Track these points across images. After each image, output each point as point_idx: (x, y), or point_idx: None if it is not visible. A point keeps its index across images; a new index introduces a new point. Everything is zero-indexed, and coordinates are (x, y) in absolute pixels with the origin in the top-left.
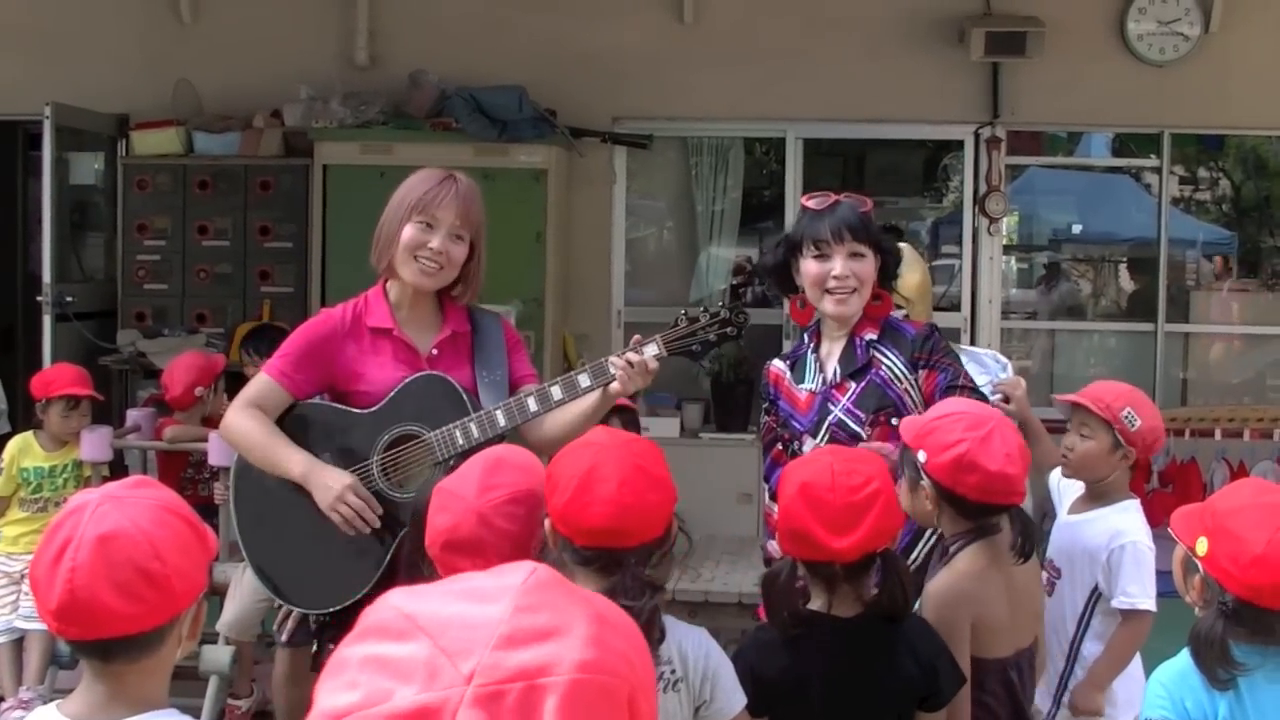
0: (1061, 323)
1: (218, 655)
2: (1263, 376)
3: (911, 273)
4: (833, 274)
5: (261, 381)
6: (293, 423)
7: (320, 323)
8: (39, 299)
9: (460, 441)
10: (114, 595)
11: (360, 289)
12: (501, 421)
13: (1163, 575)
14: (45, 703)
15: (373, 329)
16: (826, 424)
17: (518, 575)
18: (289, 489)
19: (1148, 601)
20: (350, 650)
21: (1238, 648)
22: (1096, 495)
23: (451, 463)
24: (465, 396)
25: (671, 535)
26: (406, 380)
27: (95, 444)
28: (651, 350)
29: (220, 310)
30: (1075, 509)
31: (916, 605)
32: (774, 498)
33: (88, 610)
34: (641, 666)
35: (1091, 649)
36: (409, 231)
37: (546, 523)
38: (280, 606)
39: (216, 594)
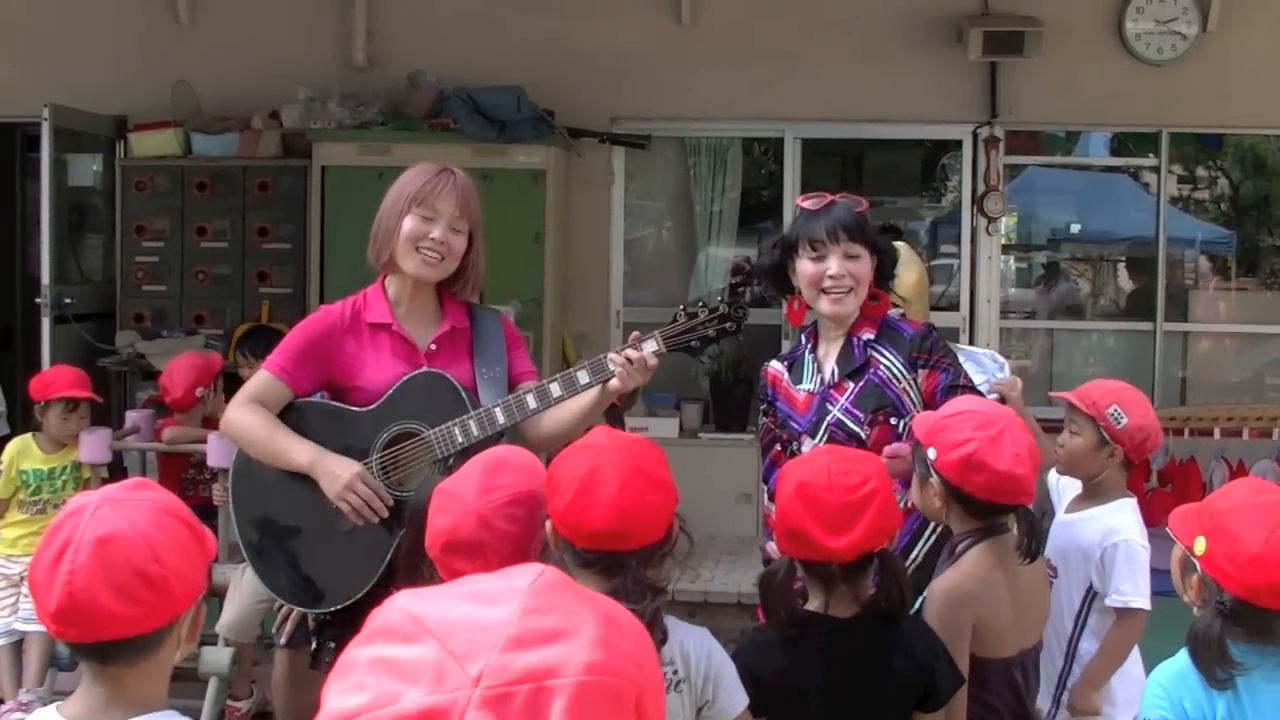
0: (1060, 322)
1: (217, 657)
2: (1261, 376)
3: (908, 271)
4: (828, 274)
5: (261, 378)
6: (291, 420)
7: (319, 319)
8: (37, 301)
9: (459, 439)
10: (113, 597)
11: (359, 289)
12: (500, 419)
13: (1162, 574)
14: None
15: (371, 324)
16: (825, 424)
17: (526, 577)
18: (289, 488)
19: (1141, 600)
20: (358, 652)
21: (1235, 647)
22: (1092, 494)
23: (451, 461)
24: (464, 394)
25: (673, 536)
26: (405, 378)
27: (94, 446)
28: (650, 347)
29: (219, 311)
30: (1072, 508)
31: (916, 605)
32: (773, 499)
33: (86, 613)
34: (649, 668)
35: (1089, 647)
36: (410, 223)
37: (547, 524)
38: (279, 608)
39: (216, 595)
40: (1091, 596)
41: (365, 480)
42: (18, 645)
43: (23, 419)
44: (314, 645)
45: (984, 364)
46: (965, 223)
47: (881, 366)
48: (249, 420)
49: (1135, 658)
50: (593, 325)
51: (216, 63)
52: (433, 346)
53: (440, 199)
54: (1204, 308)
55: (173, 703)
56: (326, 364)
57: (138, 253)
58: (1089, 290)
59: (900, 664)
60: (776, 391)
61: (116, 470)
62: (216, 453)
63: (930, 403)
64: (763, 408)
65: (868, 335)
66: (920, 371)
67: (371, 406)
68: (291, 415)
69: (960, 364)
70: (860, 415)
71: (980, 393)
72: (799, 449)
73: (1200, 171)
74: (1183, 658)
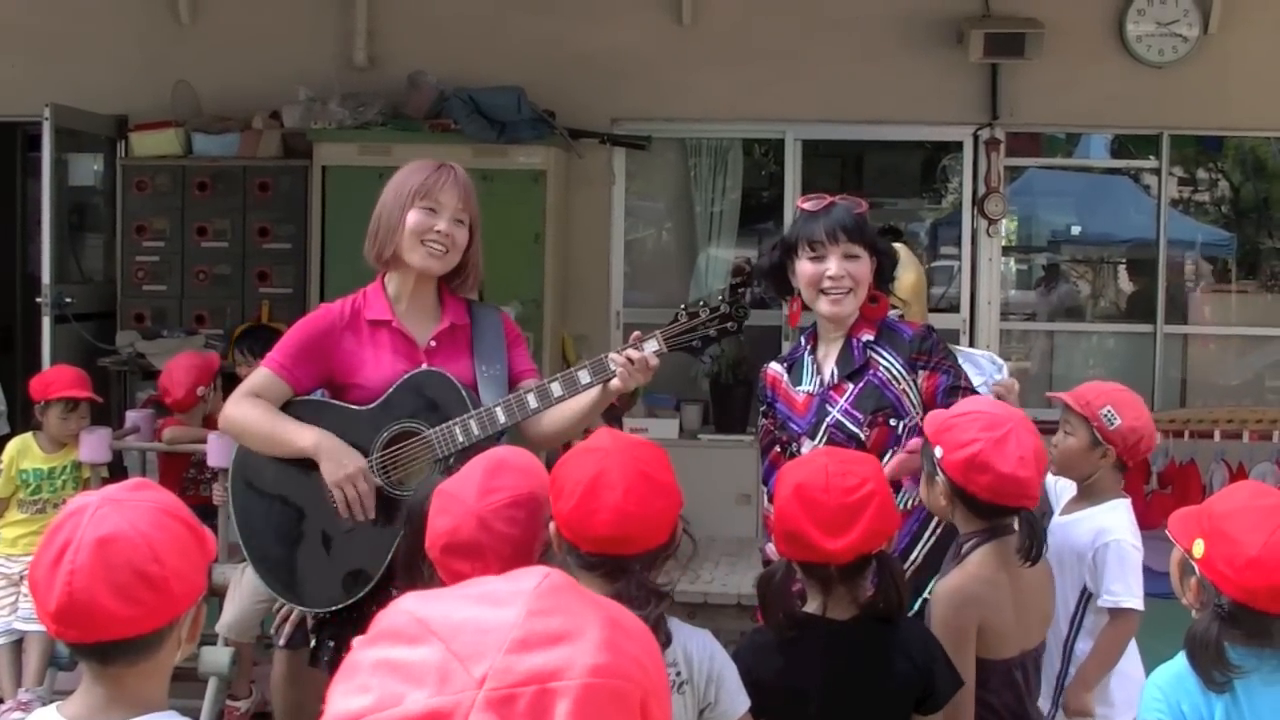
0: (1060, 324)
1: (217, 656)
2: (1261, 378)
3: (906, 273)
4: (827, 274)
5: (260, 374)
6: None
7: (319, 317)
8: (38, 300)
9: (460, 439)
10: (112, 598)
11: (359, 289)
12: (501, 418)
13: (1162, 576)
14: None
15: (371, 321)
16: (824, 425)
17: (531, 580)
18: (289, 488)
19: (1132, 600)
20: (362, 654)
21: (1233, 650)
22: (1085, 495)
23: (451, 460)
24: (465, 393)
25: (676, 540)
26: (406, 376)
27: (94, 445)
28: (651, 346)
29: (219, 311)
30: (1067, 509)
31: (916, 606)
32: (772, 500)
33: (86, 613)
34: (654, 671)
35: (1085, 648)
36: (414, 216)
37: (551, 526)
38: (278, 608)
39: (216, 595)
40: (1086, 597)
41: (366, 478)
42: (17, 645)
43: (23, 418)
44: (313, 644)
45: (982, 366)
46: (965, 224)
47: (881, 368)
48: (248, 412)
49: (1135, 659)
50: (593, 326)
51: (217, 63)
52: (433, 343)
53: (443, 192)
54: (1204, 310)
55: (172, 702)
56: (326, 362)
57: (138, 252)
58: (1089, 292)
59: (899, 666)
60: (776, 393)
61: (116, 470)
62: (217, 452)
63: (931, 404)
64: (762, 409)
65: (867, 336)
66: (920, 373)
67: (371, 405)
68: (290, 412)
69: (960, 365)
70: (860, 416)
71: (979, 395)
72: (798, 450)
73: (1201, 174)
74: (1181, 660)
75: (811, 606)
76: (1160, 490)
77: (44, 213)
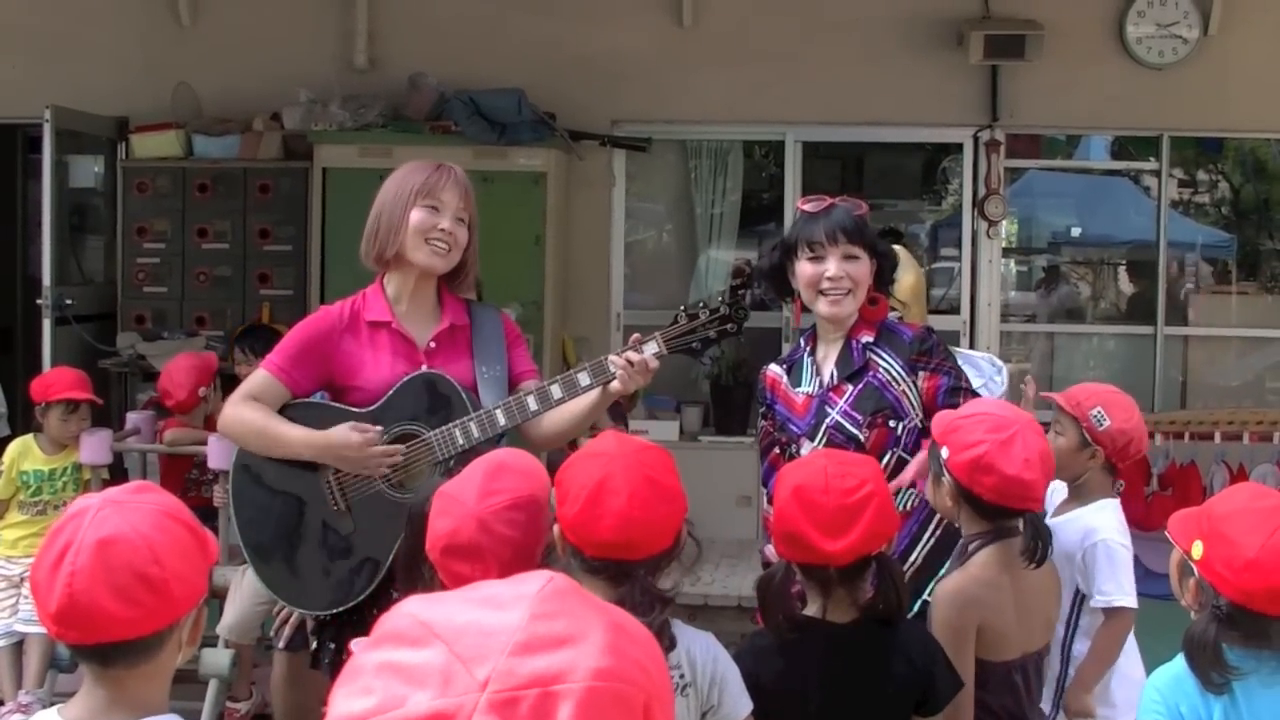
0: (1061, 325)
1: (217, 658)
2: (1262, 379)
3: (906, 275)
4: (826, 275)
5: (259, 377)
6: (289, 420)
7: (318, 319)
8: (38, 302)
9: (460, 441)
10: (113, 599)
11: (360, 291)
12: (501, 421)
13: (1163, 578)
14: (44, 706)
15: (370, 323)
16: (824, 426)
17: (534, 584)
18: (290, 490)
19: (1124, 598)
20: (365, 657)
21: (1231, 652)
22: (1075, 496)
23: (452, 462)
24: (465, 395)
25: (680, 544)
26: (406, 378)
27: (95, 447)
28: (651, 349)
29: (220, 313)
30: (1059, 511)
31: (916, 608)
32: (771, 502)
33: (86, 614)
34: (658, 676)
35: (1082, 649)
36: (417, 215)
37: (555, 529)
38: (279, 610)
39: (216, 597)
40: (1080, 598)
41: (371, 442)
42: (18, 647)
43: (23, 420)
44: (314, 646)
45: (981, 368)
46: (966, 226)
47: (880, 369)
48: (246, 415)
49: (1136, 660)
50: (593, 328)
51: (218, 64)
52: (432, 344)
53: (444, 191)
54: (1204, 311)
55: (172, 704)
56: (325, 364)
57: (138, 254)
58: (1089, 294)
59: (899, 668)
60: (775, 394)
61: (117, 472)
62: (217, 454)
63: (931, 405)
64: (761, 411)
65: (866, 338)
66: (921, 374)
67: (371, 407)
68: (290, 414)
69: (960, 366)
70: (859, 418)
71: (979, 396)
72: (798, 451)
73: (1201, 175)
74: (1179, 662)
75: (811, 609)
76: (1161, 492)
77: (44, 214)
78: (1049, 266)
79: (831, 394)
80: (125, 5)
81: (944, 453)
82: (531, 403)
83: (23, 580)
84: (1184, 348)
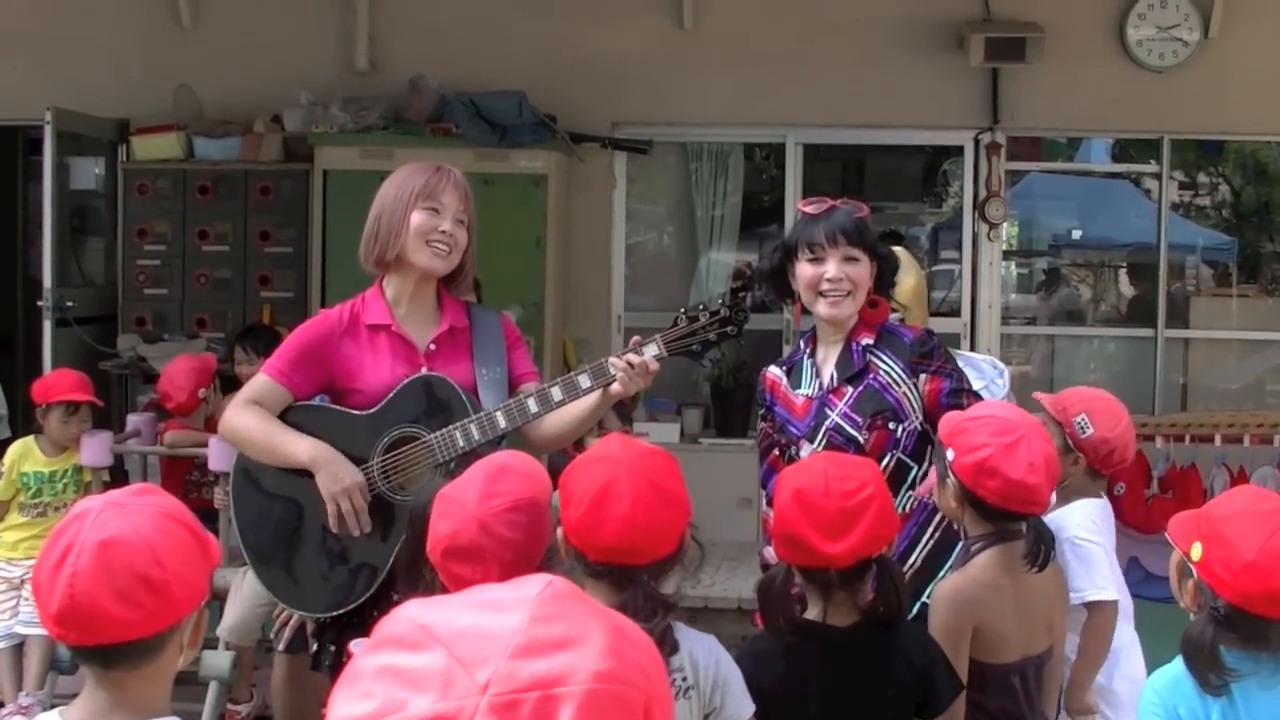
0: (1061, 328)
1: (218, 660)
2: (1263, 382)
3: (907, 277)
4: (826, 276)
5: (259, 381)
6: (291, 423)
7: (318, 323)
8: (39, 304)
9: (460, 443)
10: (114, 601)
11: (360, 293)
12: (502, 423)
13: (1164, 581)
14: (45, 708)
15: (370, 326)
16: (824, 429)
17: (534, 587)
18: (290, 492)
19: (1099, 592)
20: (365, 660)
21: (1229, 653)
22: (1061, 498)
23: (452, 465)
24: (465, 397)
25: (684, 549)
26: (406, 381)
27: (95, 449)
28: (651, 351)
29: (220, 315)
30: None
31: (915, 609)
32: (770, 504)
33: (87, 616)
34: (657, 679)
35: (1071, 647)
36: (418, 217)
37: (559, 532)
38: (279, 613)
39: (217, 599)
40: None
41: (362, 492)
42: (18, 648)
43: (24, 422)
44: (315, 648)
45: (983, 370)
46: (966, 228)
47: (881, 372)
48: (247, 420)
49: (1138, 661)
50: (594, 330)
51: (218, 66)
52: (432, 346)
53: (444, 193)
54: (1205, 314)
55: (173, 706)
56: (325, 367)
57: (139, 256)
58: (1090, 296)
59: (899, 671)
60: (774, 396)
61: (118, 474)
62: (217, 456)
63: (933, 408)
64: (760, 412)
65: (866, 340)
66: (923, 377)
67: (371, 410)
68: (291, 418)
69: (960, 368)
70: (859, 420)
71: (981, 398)
72: (797, 454)
73: (1201, 178)
74: (1178, 664)
75: (812, 612)
76: (1161, 495)
77: (45, 216)
78: (1050, 269)
79: (831, 396)
80: (126, 7)
81: (949, 454)
82: (532, 405)
83: (23, 582)
84: (1184, 350)
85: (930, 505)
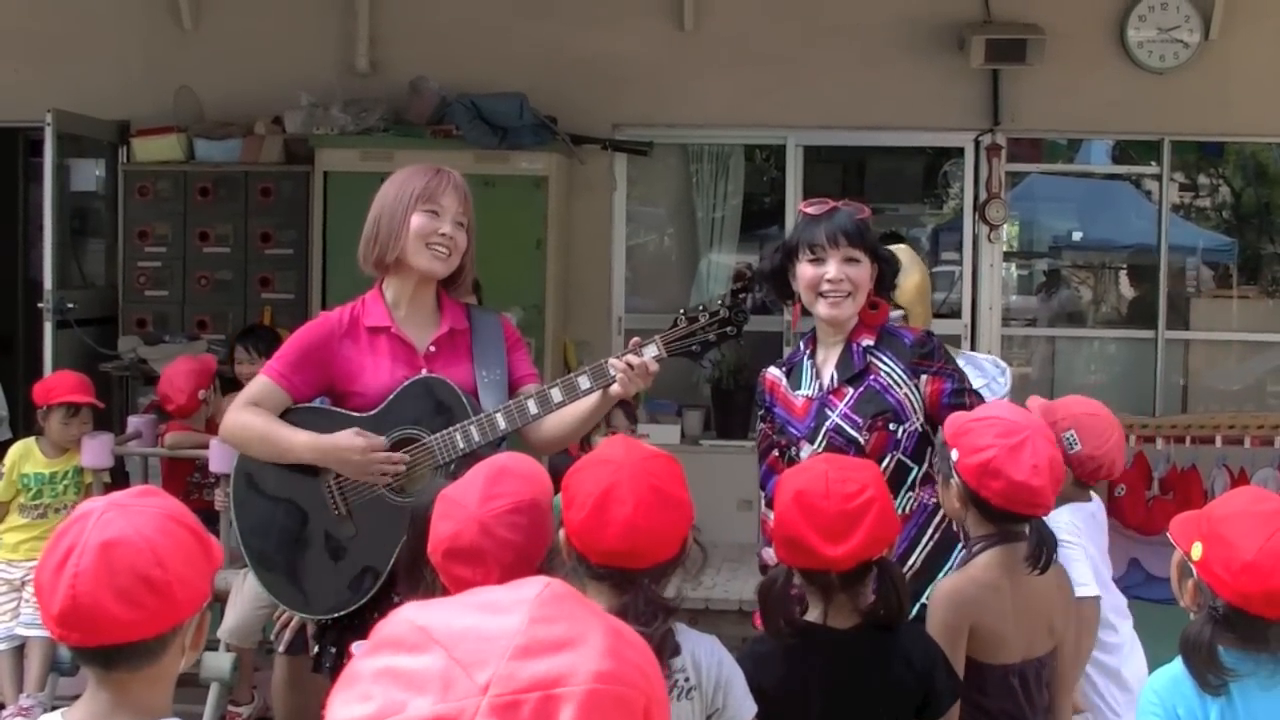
0: (1062, 329)
1: (219, 662)
2: (1263, 383)
3: (910, 275)
4: (826, 277)
5: (260, 383)
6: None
7: (317, 325)
8: (40, 305)
9: (461, 445)
10: (115, 602)
11: (360, 295)
12: (502, 425)
13: (1165, 582)
14: (45, 710)
15: (370, 328)
16: (824, 430)
17: (533, 588)
18: (291, 493)
19: (1079, 589)
20: (364, 663)
21: (1227, 653)
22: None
23: (453, 466)
24: (465, 399)
25: (686, 553)
26: (406, 383)
27: (96, 451)
28: (651, 352)
29: (221, 317)
30: None
31: (915, 610)
32: (769, 505)
33: (89, 616)
34: (656, 680)
35: None
36: (418, 220)
37: (561, 534)
38: (279, 614)
39: (218, 600)
40: None
41: (375, 449)
42: (19, 650)
43: (25, 424)
44: (315, 650)
45: (985, 369)
46: (967, 230)
47: (881, 373)
48: (247, 421)
49: (1140, 661)
50: (594, 331)
51: (219, 68)
52: (432, 348)
53: (444, 196)
54: (1206, 315)
55: (174, 708)
56: (325, 369)
57: (140, 258)
58: (1090, 298)
59: (899, 673)
60: (774, 397)
61: (118, 476)
62: (218, 458)
63: (935, 409)
64: (760, 413)
65: (867, 341)
66: (924, 378)
67: (372, 412)
68: (291, 420)
69: (961, 369)
70: (859, 421)
71: (983, 399)
72: (797, 455)
73: (1202, 179)
74: (1178, 664)
75: (813, 615)
76: (1162, 496)
77: (46, 218)
78: (1050, 270)
79: (831, 397)
80: (127, 9)
81: (954, 455)
82: (532, 406)
83: (24, 584)
84: (1185, 352)
85: (930, 506)
